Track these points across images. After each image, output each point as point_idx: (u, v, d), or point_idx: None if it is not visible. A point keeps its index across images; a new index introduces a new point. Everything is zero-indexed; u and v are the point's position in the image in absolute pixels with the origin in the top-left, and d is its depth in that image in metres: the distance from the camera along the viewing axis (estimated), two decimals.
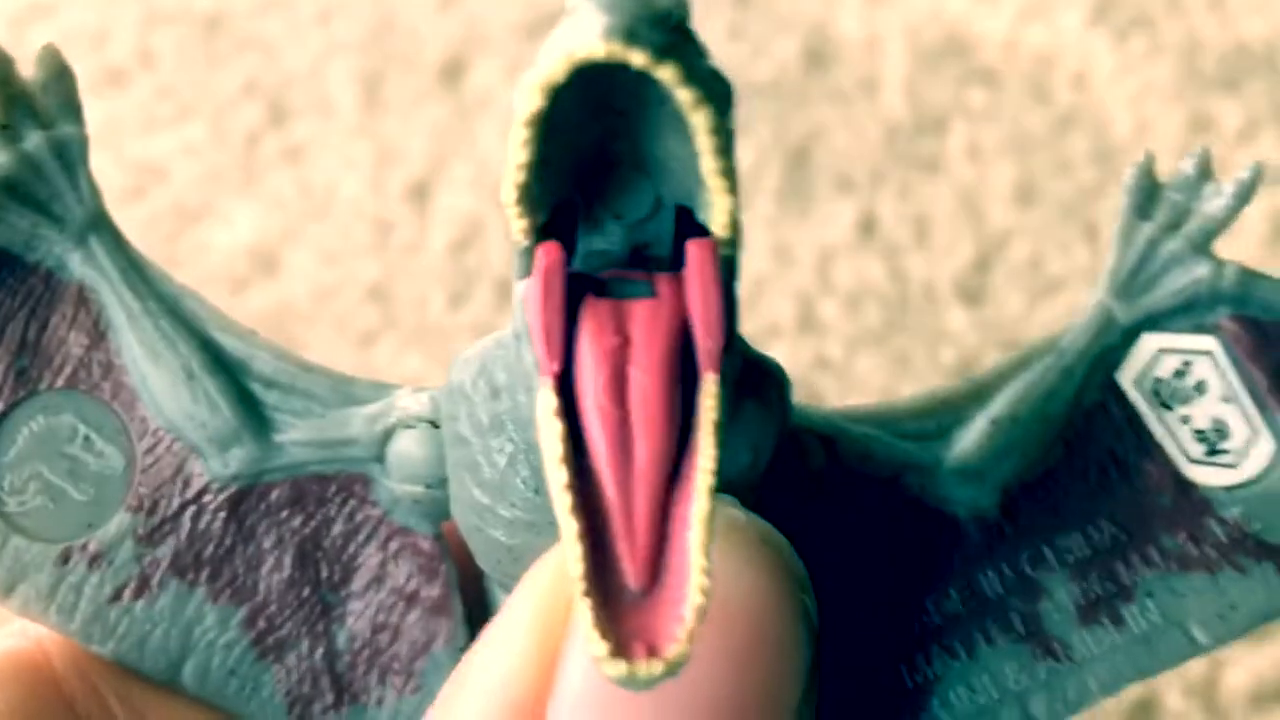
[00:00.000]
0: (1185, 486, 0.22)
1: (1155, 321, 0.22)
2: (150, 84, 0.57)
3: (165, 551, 0.22)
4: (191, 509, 0.22)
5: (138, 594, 0.22)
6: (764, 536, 0.17)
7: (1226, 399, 0.22)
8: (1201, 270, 0.22)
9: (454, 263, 0.51)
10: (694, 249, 0.16)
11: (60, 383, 0.22)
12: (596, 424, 0.16)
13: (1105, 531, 0.22)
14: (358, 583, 0.22)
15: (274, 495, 0.22)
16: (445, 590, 0.22)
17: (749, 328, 0.25)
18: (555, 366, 0.16)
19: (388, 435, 0.21)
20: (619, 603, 0.15)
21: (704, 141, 0.15)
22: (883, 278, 0.51)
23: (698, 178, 0.15)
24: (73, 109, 0.22)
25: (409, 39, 0.59)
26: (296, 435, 0.22)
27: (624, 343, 0.16)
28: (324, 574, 0.22)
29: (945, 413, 0.22)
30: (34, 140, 0.22)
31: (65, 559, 0.22)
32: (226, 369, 0.22)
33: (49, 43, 0.22)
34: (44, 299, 0.22)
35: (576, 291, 0.16)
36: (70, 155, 0.22)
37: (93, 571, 0.22)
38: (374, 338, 0.49)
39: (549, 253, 0.16)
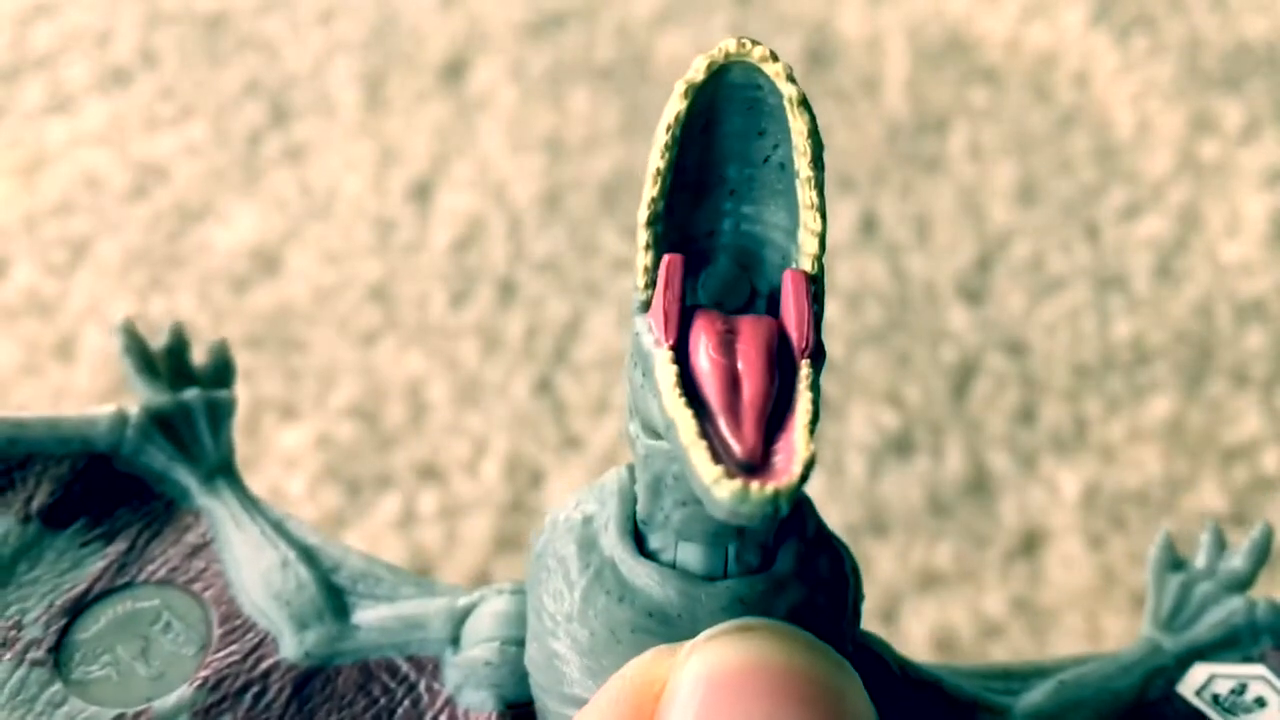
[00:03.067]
0: None
1: (1202, 652, 0.23)
2: (152, 83, 0.57)
3: None
4: (255, 688, 0.22)
5: None
6: (842, 664, 0.18)
7: None
8: (1237, 606, 0.24)
9: (455, 262, 0.51)
10: (789, 275, 0.18)
11: (157, 578, 0.23)
12: (707, 368, 0.17)
13: None
14: None
15: (341, 678, 0.22)
16: None
17: None
18: (671, 339, 0.18)
19: (468, 611, 0.22)
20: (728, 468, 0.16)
21: (800, 144, 0.17)
22: (884, 277, 0.51)
23: (793, 231, 0.18)
24: (229, 383, 0.25)
25: (410, 38, 0.59)
26: (373, 618, 0.22)
27: (731, 329, 0.18)
28: None
29: (1009, 678, 0.23)
30: (191, 394, 0.25)
31: None
32: (318, 565, 0.23)
33: (223, 338, 0.27)
34: (161, 517, 0.24)
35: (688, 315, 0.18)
36: (219, 412, 0.25)
37: None
38: (375, 337, 0.49)
39: (670, 258, 0.18)
